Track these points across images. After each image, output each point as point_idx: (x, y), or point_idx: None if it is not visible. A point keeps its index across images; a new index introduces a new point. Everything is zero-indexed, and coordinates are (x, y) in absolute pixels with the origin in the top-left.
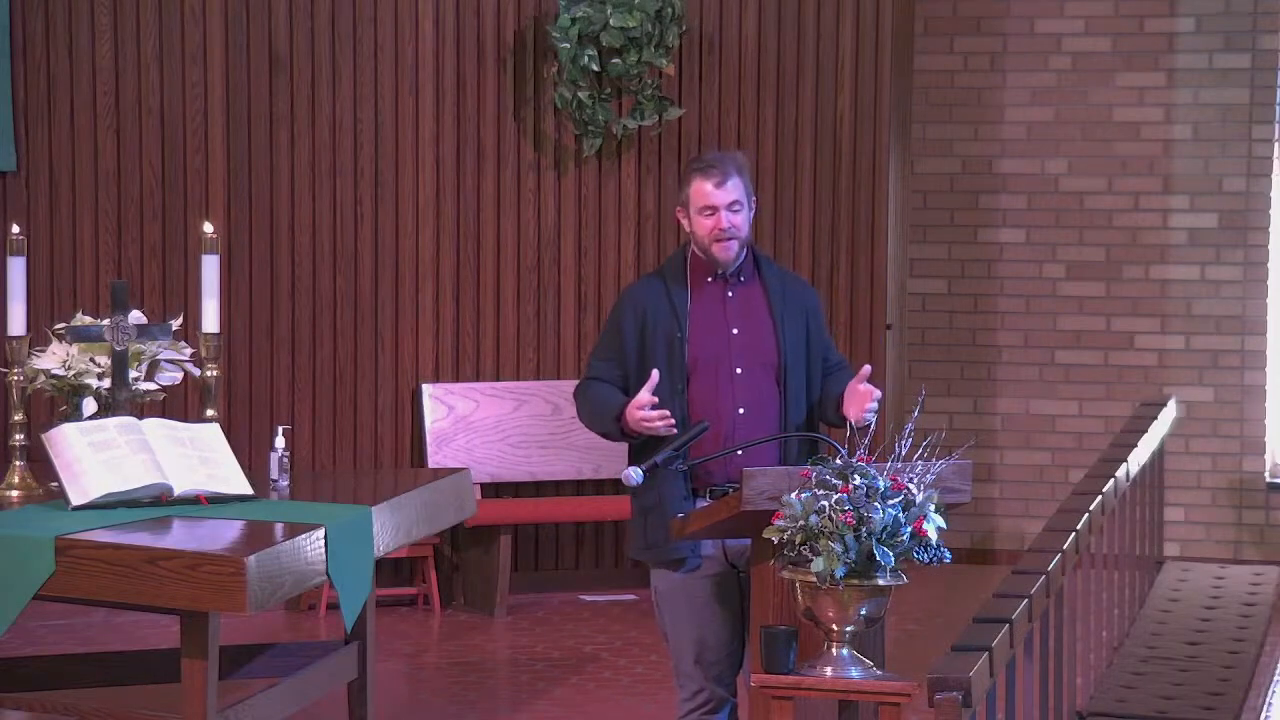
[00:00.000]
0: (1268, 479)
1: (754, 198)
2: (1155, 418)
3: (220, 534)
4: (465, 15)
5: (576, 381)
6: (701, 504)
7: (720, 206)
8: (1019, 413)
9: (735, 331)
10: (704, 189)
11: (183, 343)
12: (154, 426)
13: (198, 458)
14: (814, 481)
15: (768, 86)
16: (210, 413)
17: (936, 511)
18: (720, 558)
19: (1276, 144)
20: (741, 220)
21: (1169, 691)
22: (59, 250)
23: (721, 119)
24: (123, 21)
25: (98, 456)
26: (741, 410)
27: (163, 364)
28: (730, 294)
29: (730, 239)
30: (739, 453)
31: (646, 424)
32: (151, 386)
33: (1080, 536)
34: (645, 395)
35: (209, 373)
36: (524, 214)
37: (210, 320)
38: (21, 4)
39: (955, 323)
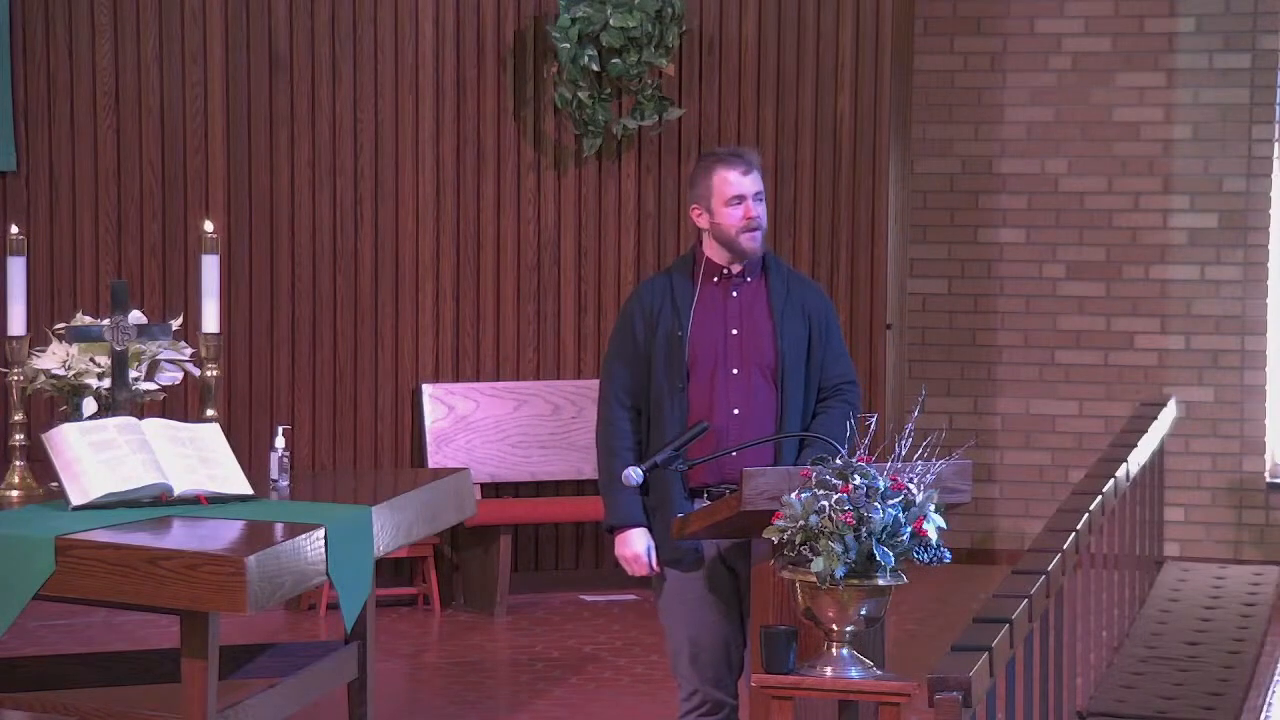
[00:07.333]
0: (1268, 479)
1: None
2: (1155, 418)
3: (220, 534)
4: (465, 15)
5: (577, 381)
6: (700, 505)
7: (748, 195)
8: (1019, 413)
9: (734, 332)
10: (731, 178)
11: (183, 343)
12: (154, 426)
13: (198, 458)
14: (814, 481)
15: (768, 86)
16: (210, 413)
17: (936, 511)
18: (716, 559)
19: (1276, 144)
20: (763, 211)
21: (1169, 691)
22: (59, 250)
23: (721, 119)
24: (123, 21)
25: (98, 456)
26: (736, 411)
27: (163, 364)
28: (734, 294)
29: (757, 229)
30: (733, 454)
31: (626, 563)
32: (151, 386)
33: (1080, 536)
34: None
35: (209, 373)
36: (524, 214)
37: (210, 320)
38: (21, 4)
39: (955, 323)
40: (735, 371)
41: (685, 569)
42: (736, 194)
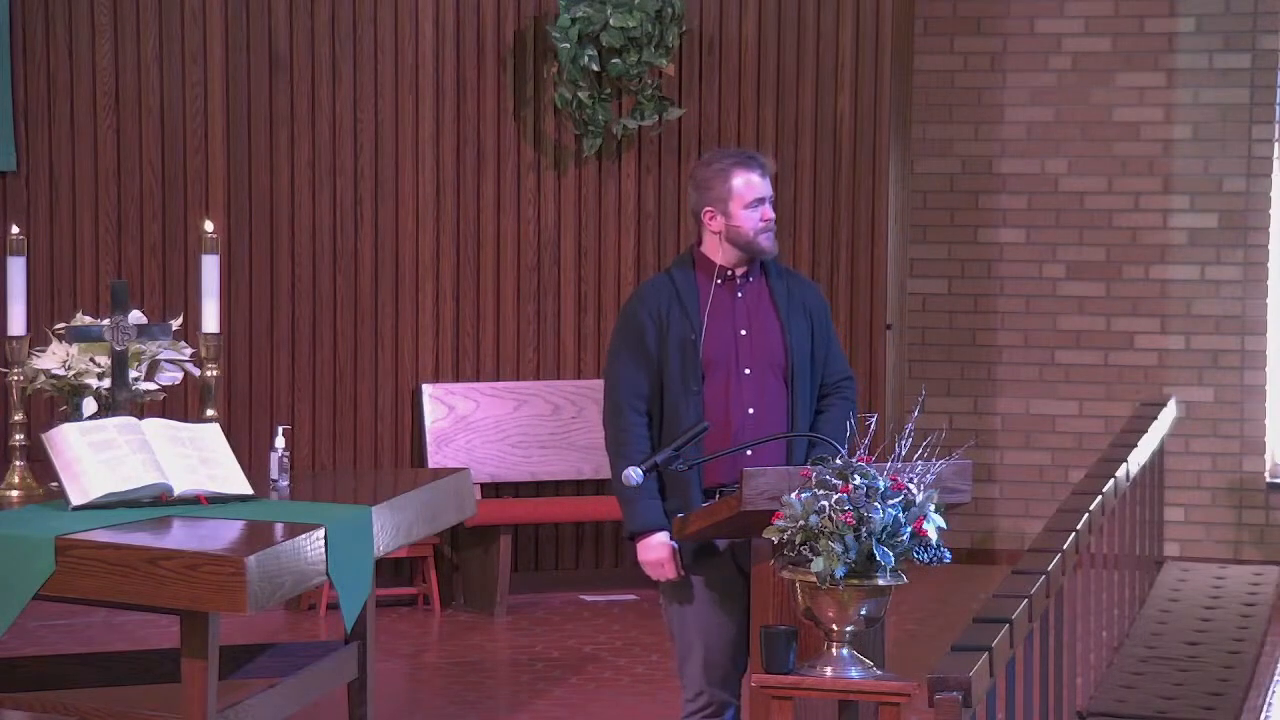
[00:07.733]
0: (1268, 479)
1: None
2: (1155, 418)
3: (220, 534)
4: (465, 15)
5: (577, 381)
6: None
7: (767, 197)
8: (1019, 413)
9: (743, 332)
10: (752, 180)
11: (183, 343)
12: (154, 426)
13: (198, 458)
14: (814, 481)
15: (768, 86)
16: (210, 413)
17: (936, 511)
18: (729, 560)
19: (1276, 144)
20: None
21: (1169, 691)
22: (59, 250)
23: (721, 119)
24: (123, 21)
25: (98, 456)
26: (751, 410)
27: (163, 364)
28: (739, 294)
29: (772, 230)
30: (748, 453)
31: (655, 568)
32: (151, 386)
33: (1080, 536)
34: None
35: (209, 373)
36: (524, 214)
37: (210, 320)
38: (21, 4)
39: (955, 323)
40: (748, 371)
41: (697, 572)
42: (758, 196)
